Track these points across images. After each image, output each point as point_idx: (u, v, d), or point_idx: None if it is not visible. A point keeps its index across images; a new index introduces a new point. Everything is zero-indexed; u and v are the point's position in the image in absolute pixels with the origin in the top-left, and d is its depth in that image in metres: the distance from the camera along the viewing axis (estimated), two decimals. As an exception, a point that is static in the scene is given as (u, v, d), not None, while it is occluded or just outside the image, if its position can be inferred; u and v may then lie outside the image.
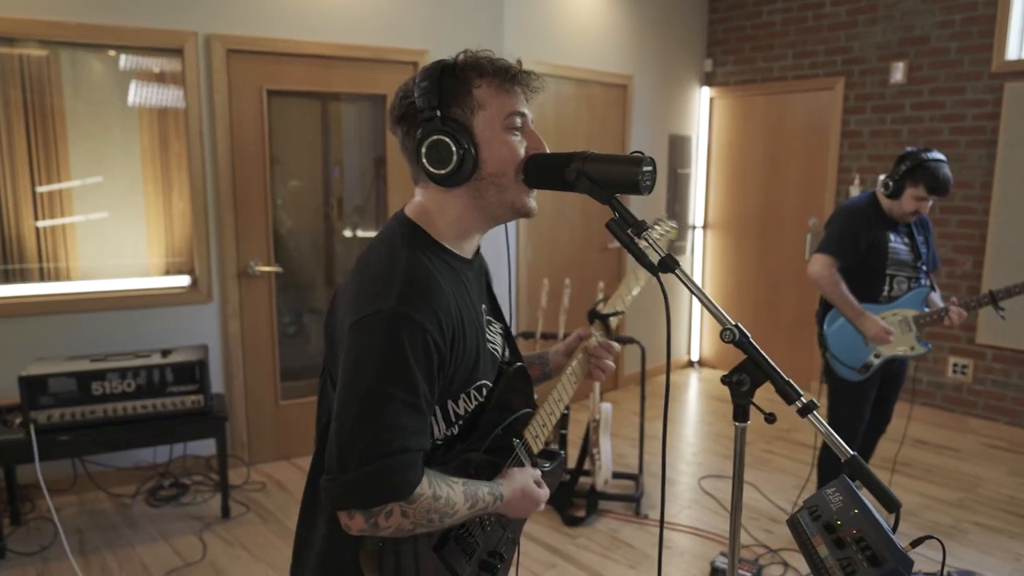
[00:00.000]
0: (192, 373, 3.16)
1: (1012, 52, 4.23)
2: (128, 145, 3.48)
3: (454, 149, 1.08)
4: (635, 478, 3.60)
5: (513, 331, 4.56)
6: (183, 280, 3.63)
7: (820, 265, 2.95)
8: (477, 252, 1.26)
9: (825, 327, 3.03)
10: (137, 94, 3.45)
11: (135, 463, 3.55)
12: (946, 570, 2.80)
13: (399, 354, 1.00)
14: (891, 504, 0.97)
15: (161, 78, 3.49)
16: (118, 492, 3.48)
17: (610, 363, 1.39)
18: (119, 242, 3.50)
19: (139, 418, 3.08)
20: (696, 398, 5.25)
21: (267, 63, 3.66)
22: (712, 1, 5.57)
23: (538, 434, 1.31)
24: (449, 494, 1.07)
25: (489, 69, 1.11)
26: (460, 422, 1.16)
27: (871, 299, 2.96)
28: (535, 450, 1.30)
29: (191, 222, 3.58)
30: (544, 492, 1.25)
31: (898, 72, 4.63)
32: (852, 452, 0.98)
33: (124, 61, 3.41)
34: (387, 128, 4.01)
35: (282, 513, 3.35)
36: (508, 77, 1.11)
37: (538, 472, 1.27)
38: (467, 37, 4.05)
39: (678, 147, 5.55)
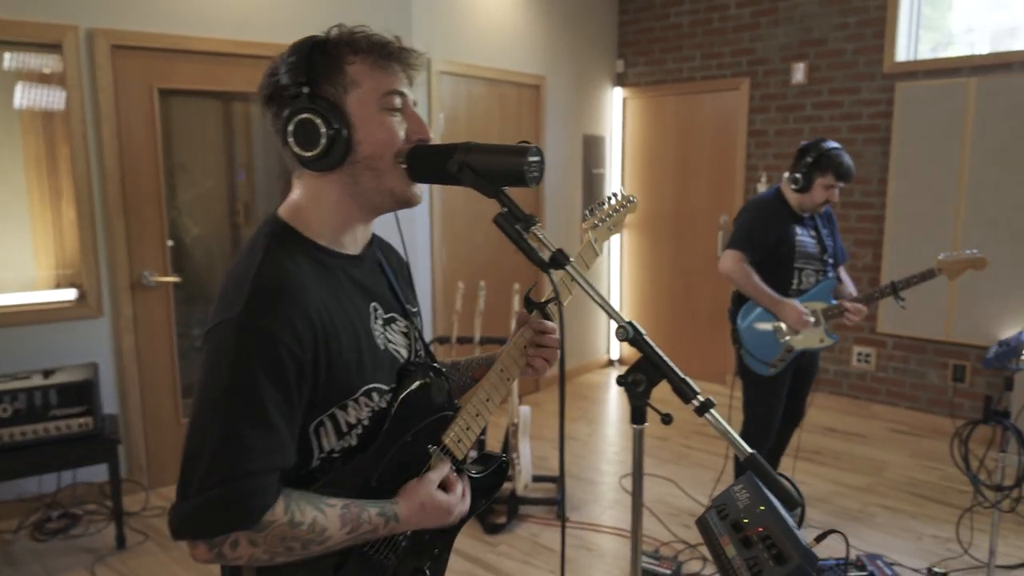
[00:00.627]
0: (78, 394, 2.92)
1: (902, 54, 4.43)
2: (11, 150, 3.20)
3: (323, 129, 1.00)
4: (556, 480, 3.56)
5: (429, 335, 4.45)
6: (69, 294, 3.37)
7: (731, 260, 2.98)
8: (370, 245, 1.16)
9: (739, 323, 3.06)
10: (24, 96, 3.18)
11: (17, 495, 3.25)
12: (856, 554, 2.88)
13: (245, 367, 0.92)
14: (792, 502, 0.94)
15: (46, 79, 3.22)
16: (-1, 527, 3.19)
17: (553, 351, 1.26)
18: (3, 254, 3.21)
19: (19, 446, 2.82)
20: (617, 397, 5.28)
21: (157, 60, 3.44)
22: (622, 3, 5.63)
23: (461, 438, 1.19)
24: (316, 519, 0.97)
25: (364, 45, 1.03)
26: (356, 431, 1.06)
27: (780, 292, 3.01)
28: (459, 456, 1.19)
29: (76, 231, 3.32)
30: (452, 498, 1.13)
31: (799, 73, 4.79)
32: (751, 451, 0.94)
33: (8, 60, 3.13)
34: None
35: (185, 539, 3.14)
36: (385, 53, 1.03)
37: (445, 469, 1.14)
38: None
39: (592, 147, 5.58)
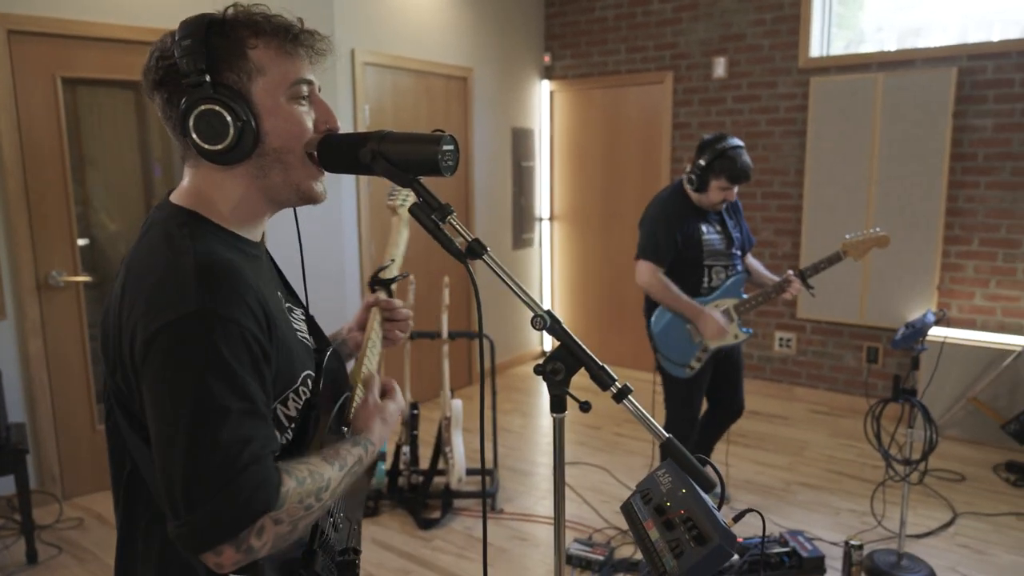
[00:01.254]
0: (-21, 403, 2.74)
1: (815, 50, 4.61)
2: None
3: (230, 121, 0.94)
4: (489, 473, 3.56)
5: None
6: (-34, 296, 3.16)
7: (647, 274, 2.95)
8: (262, 237, 1.12)
9: (652, 326, 3.04)
10: None
11: (-86, 512, 3.04)
12: (778, 531, 2.99)
13: (217, 358, 0.85)
14: (707, 484, 0.96)
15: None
16: None
17: (402, 320, 1.35)
18: None
19: (-88, 460, 2.63)
20: (550, 387, 5.32)
21: (60, 47, 3.25)
22: (548, -4, 5.65)
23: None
24: (310, 469, 0.94)
25: (266, 28, 0.97)
26: (291, 426, 1.03)
27: (692, 292, 2.99)
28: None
29: (-27, 229, 3.12)
30: (397, 401, 1.19)
31: (719, 67, 4.91)
32: (667, 435, 0.96)
33: None
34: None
35: (101, 550, 3.00)
36: (289, 38, 0.98)
37: (376, 391, 1.18)
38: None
39: (521, 140, 5.59)
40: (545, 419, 4.67)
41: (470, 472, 3.54)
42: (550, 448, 4.13)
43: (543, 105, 5.79)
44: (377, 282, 1.35)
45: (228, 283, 0.90)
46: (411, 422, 3.43)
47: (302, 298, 1.21)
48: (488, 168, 5.27)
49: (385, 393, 1.18)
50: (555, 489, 1.00)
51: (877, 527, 3.12)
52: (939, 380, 3.92)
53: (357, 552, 1.14)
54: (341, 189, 4.11)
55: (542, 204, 5.90)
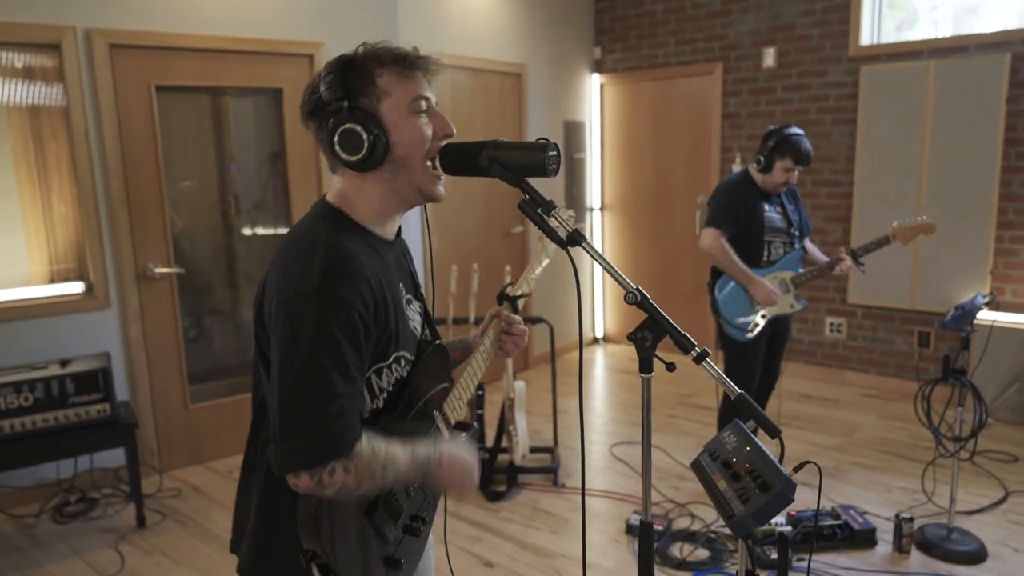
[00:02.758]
0: (96, 382, 3.06)
1: (866, 37, 4.66)
2: (-1, 148, 3.29)
3: (364, 136, 1.16)
4: (551, 451, 3.77)
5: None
6: (77, 287, 3.48)
7: (710, 238, 3.23)
8: (398, 235, 1.34)
9: (716, 293, 3.31)
10: (5, 93, 3.25)
11: (36, 481, 3.39)
12: (831, 506, 3.12)
13: (326, 328, 1.08)
14: (772, 431, 1.13)
15: (31, 74, 3.31)
16: (19, 512, 3.31)
17: (520, 330, 1.50)
18: (-3, 251, 3.32)
19: (40, 432, 2.96)
20: (603, 372, 5.50)
21: (154, 58, 3.54)
22: (597, -9, 5.79)
23: (455, 406, 1.42)
24: (388, 448, 1.16)
25: (388, 58, 1.19)
26: (384, 395, 1.24)
27: (752, 264, 3.27)
28: (452, 421, 1.41)
29: (81, 226, 3.43)
30: (476, 469, 1.30)
31: (769, 57, 4.99)
32: (740, 390, 1.13)
33: None
34: (284, 122, 3.97)
35: (200, 516, 3.30)
36: (407, 63, 1.19)
37: (473, 449, 1.34)
38: (361, 29, 4.05)
39: (573, 132, 5.75)
40: (598, 401, 4.85)
41: (533, 450, 3.74)
42: (604, 428, 4.32)
43: (594, 98, 5.94)
44: (504, 297, 1.53)
45: (345, 268, 1.12)
46: (476, 402, 3.66)
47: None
48: (541, 161, 5.44)
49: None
50: (643, 436, 1.19)
51: (928, 503, 3.22)
52: (991, 364, 3.98)
53: (424, 521, 1.33)
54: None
55: (593, 194, 6.06)
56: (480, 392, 3.69)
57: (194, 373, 3.88)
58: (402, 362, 1.26)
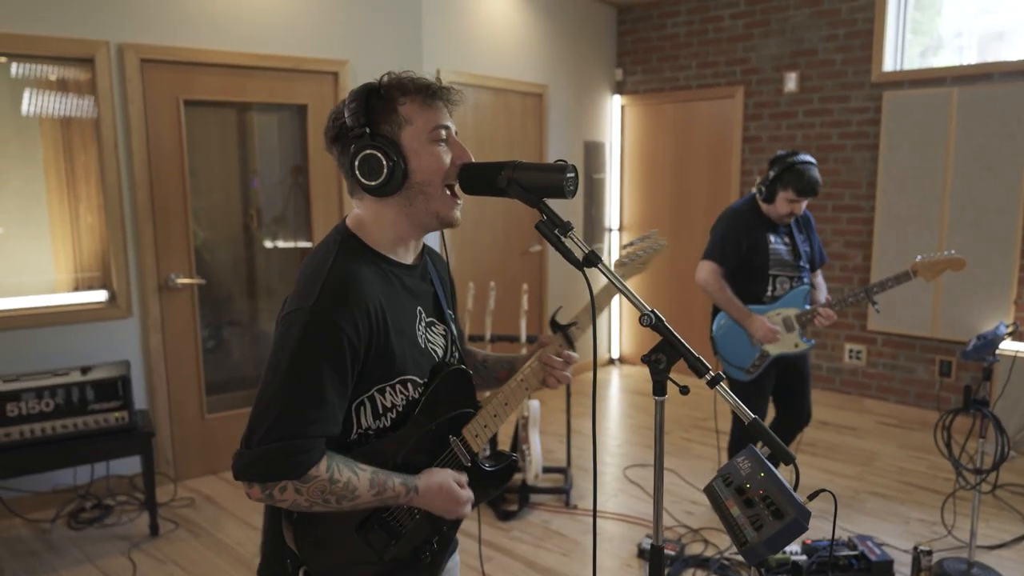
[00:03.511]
0: (115, 390, 3.10)
1: (889, 64, 4.65)
2: (29, 157, 3.37)
3: (384, 161, 1.19)
4: (564, 471, 3.75)
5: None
6: (100, 295, 3.54)
7: (706, 272, 3.10)
8: (421, 256, 1.35)
9: (713, 330, 3.18)
10: (32, 103, 3.34)
11: (52, 486, 3.43)
12: (847, 536, 3.07)
13: (310, 349, 1.12)
14: (786, 458, 1.13)
15: (62, 86, 3.39)
16: (35, 517, 3.35)
17: (567, 374, 1.42)
18: (22, 258, 3.38)
19: (59, 438, 2.99)
20: (618, 394, 5.47)
21: (183, 73, 3.62)
22: (620, 13, 5.84)
23: (478, 433, 1.35)
24: (350, 479, 1.16)
25: (411, 87, 1.22)
26: (391, 414, 1.24)
27: (755, 299, 3.11)
28: (476, 449, 1.35)
29: (107, 236, 3.50)
30: (467, 494, 1.29)
31: (791, 82, 5.00)
32: (753, 415, 1.13)
33: (16, 69, 3.29)
34: (307, 138, 4.03)
35: (213, 527, 3.31)
36: (430, 93, 1.22)
37: (463, 476, 1.31)
38: (386, 48, 4.12)
39: (593, 153, 5.78)
40: (612, 423, 4.82)
41: (546, 470, 3.73)
42: (618, 450, 4.29)
43: (614, 119, 5.97)
44: (557, 326, 1.45)
45: (343, 292, 1.15)
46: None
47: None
48: (560, 180, 5.47)
49: (461, 485, 1.29)
50: (655, 459, 1.18)
51: (947, 536, 3.16)
52: (1014, 395, 3.91)
53: (434, 548, 1.32)
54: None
55: (612, 215, 6.07)
56: (495, 430, 3.68)
57: (211, 383, 3.91)
58: (409, 386, 1.26)
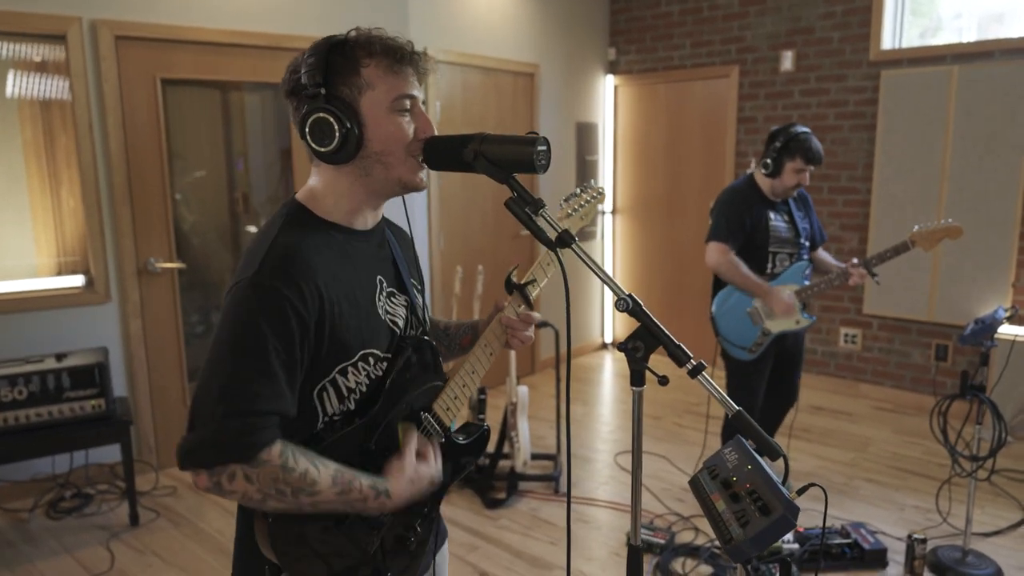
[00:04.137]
0: (91, 377, 3.02)
1: (887, 42, 4.54)
2: (8, 140, 3.27)
3: (336, 127, 1.09)
4: (553, 458, 3.68)
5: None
6: (77, 280, 3.45)
7: (717, 253, 3.05)
8: (379, 225, 1.26)
9: (714, 310, 3.14)
10: (16, 85, 3.24)
11: (31, 475, 3.36)
12: (840, 523, 3.02)
13: (252, 320, 1.03)
14: (773, 453, 1.05)
15: (43, 67, 3.28)
16: (13, 507, 3.28)
17: (528, 334, 1.36)
18: (3, 242, 3.29)
19: (33, 427, 2.92)
20: (610, 379, 5.41)
21: (159, 50, 3.50)
22: (613, -9, 5.71)
23: (449, 406, 1.28)
24: (308, 470, 1.05)
25: (379, 48, 1.11)
26: (355, 396, 1.15)
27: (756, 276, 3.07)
28: (447, 423, 1.29)
29: (84, 219, 3.40)
30: (431, 467, 1.21)
31: (787, 61, 4.89)
32: (737, 407, 1.05)
33: (5, 50, 3.19)
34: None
35: (195, 516, 3.24)
36: (398, 58, 1.12)
37: (425, 444, 1.23)
38: (370, 24, 3.98)
39: (585, 134, 5.67)
40: (604, 408, 4.76)
41: (535, 456, 3.66)
42: (610, 436, 4.23)
43: (607, 100, 5.85)
44: (511, 285, 1.37)
45: (285, 261, 1.06)
46: (478, 406, 3.58)
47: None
48: (553, 162, 5.36)
49: (419, 456, 1.20)
50: (632, 455, 1.11)
51: (942, 524, 3.11)
52: (1012, 380, 3.84)
53: (416, 532, 1.23)
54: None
55: (605, 198, 5.96)
56: (483, 396, 3.61)
57: (197, 369, 3.83)
58: (370, 360, 1.16)
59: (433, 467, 1.22)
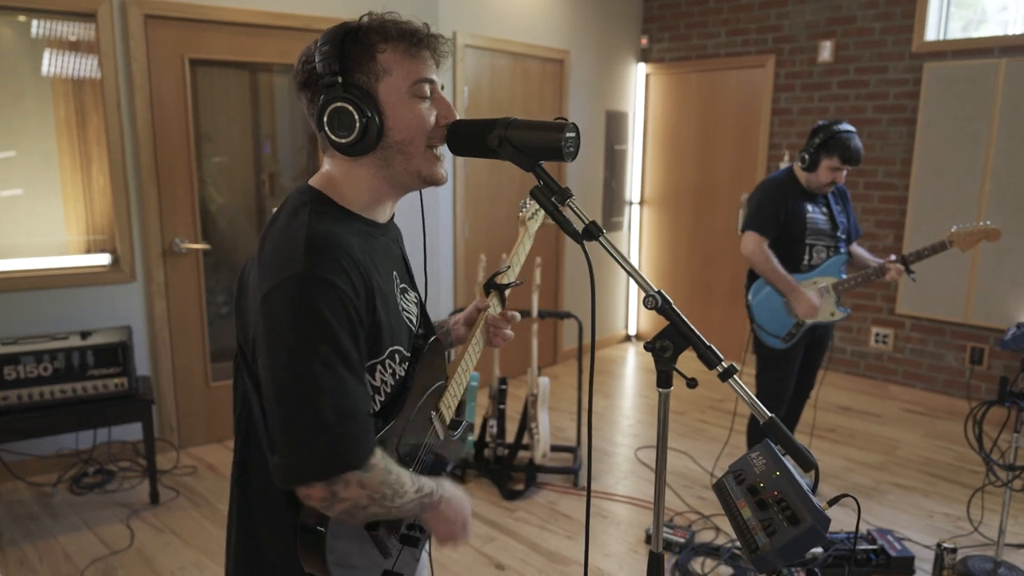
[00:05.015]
0: (114, 355, 3.03)
1: (931, 33, 4.38)
2: (42, 118, 3.28)
3: (356, 117, 1.04)
4: (573, 451, 3.64)
5: (451, 306, 4.51)
6: (103, 259, 3.47)
7: (752, 243, 3.05)
8: (391, 219, 1.22)
9: (750, 298, 3.14)
10: (51, 63, 3.25)
11: (56, 450, 3.40)
12: (866, 528, 2.94)
13: (318, 317, 0.96)
14: (807, 464, 1.00)
15: (76, 46, 3.29)
16: (38, 481, 3.32)
17: (509, 332, 1.39)
18: (35, 219, 3.31)
19: (58, 403, 2.94)
20: (633, 371, 5.34)
21: (189, 30, 3.49)
22: (648, -23, 5.59)
23: (450, 404, 1.29)
24: (398, 472, 1.04)
25: (394, 33, 1.06)
26: (379, 397, 1.11)
27: (793, 268, 3.08)
28: (447, 420, 1.28)
29: (110, 198, 3.41)
30: (469, 510, 1.21)
31: (826, 51, 4.75)
32: (770, 414, 0.99)
33: (36, 28, 3.20)
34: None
35: (214, 496, 3.26)
36: (414, 41, 1.07)
37: (466, 497, 1.22)
38: (400, 7, 3.92)
39: (615, 123, 5.58)
40: (626, 401, 4.70)
41: (554, 448, 3.62)
42: (631, 430, 4.17)
43: (638, 88, 5.75)
44: (492, 286, 1.40)
45: (331, 253, 0.99)
46: (499, 396, 3.55)
47: (421, 285, 1.31)
48: (581, 151, 5.29)
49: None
50: (656, 461, 1.06)
51: (973, 533, 3.01)
52: (1051, 386, 3.70)
53: (422, 530, 1.20)
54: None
55: (633, 188, 5.88)
56: (503, 386, 3.58)
57: (218, 351, 3.85)
58: (397, 358, 1.13)
59: (468, 512, 1.22)
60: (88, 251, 3.45)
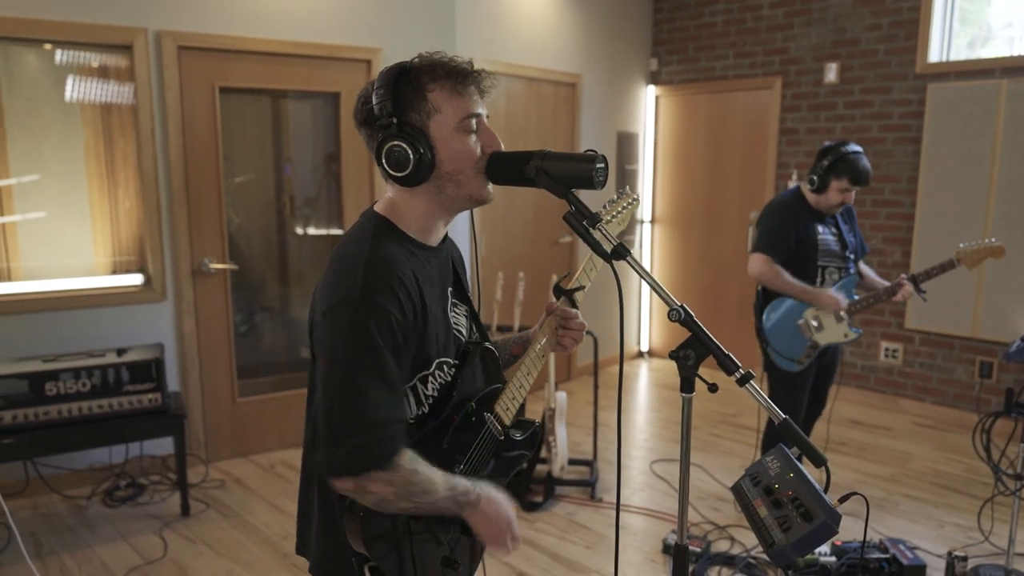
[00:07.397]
0: (148, 372, 3.15)
1: (934, 55, 4.50)
2: (70, 142, 3.43)
3: (410, 154, 1.17)
4: (590, 464, 3.73)
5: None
6: (136, 279, 3.60)
7: (759, 263, 3.09)
8: (444, 239, 1.34)
9: (764, 321, 3.16)
10: (75, 89, 3.40)
11: (89, 464, 3.51)
12: (878, 538, 3.01)
13: (367, 337, 1.11)
14: (818, 460, 1.09)
15: (103, 73, 3.45)
16: (72, 494, 3.44)
17: (576, 330, 1.44)
18: (63, 241, 3.46)
19: (95, 418, 3.06)
20: (646, 387, 5.43)
21: (219, 60, 3.65)
22: (657, 1, 5.75)
23: (509, 407, 1.37)
24: (428, 472, 1.16)
25: (442, 73, 1.19)
26: (430, 400, 1.25)
27: None
28: (507, 422, 1.37)
29: (143, 220, 3.56)
30: (513, 525, 1.26)
31: (831, 72, 4.87)
32: (784, 416, 1.10)
33: (60, 56, 3.35)
34: (340, 125, 4.05)
35: (242, 509, 3.36)
36: (461, 79, 1.19)
37: (509, 501, 1.29)
38: (419, 36, 4.10)
39: (625, 144, 5.71)
40: (640, 416, 4.78)
41: (571, 462, 3.71)
42: (645, 443, 4.25)
43: (648, 110, 5.89)
44: (560, 291, 1.47)
45: (385, 276, 1.14)
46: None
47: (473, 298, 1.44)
48: (592, 171, 5.42)
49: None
50: (681, 457, 1.16)
51: (983, 543, 3.07)
52: (1059, 398, 3.77)
53: (457, 564, 1.28)
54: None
55: (644, 207, 6.00)
56: (521, 401, 3.67)
57: (243, 367, 3.97)
58: (444, 367, 1.27)
59: (512, 530, 1.28)
60: (114, 272, 3.58)
